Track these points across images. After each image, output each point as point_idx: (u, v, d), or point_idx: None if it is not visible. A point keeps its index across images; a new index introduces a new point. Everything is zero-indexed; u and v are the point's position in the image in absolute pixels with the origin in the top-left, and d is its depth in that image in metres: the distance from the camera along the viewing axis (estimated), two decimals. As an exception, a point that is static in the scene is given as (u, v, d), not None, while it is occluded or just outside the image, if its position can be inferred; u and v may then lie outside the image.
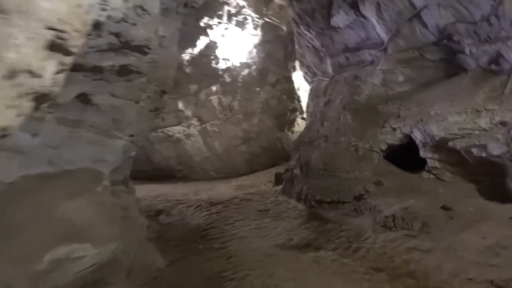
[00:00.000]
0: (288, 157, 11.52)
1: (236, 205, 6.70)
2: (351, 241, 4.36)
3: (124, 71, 4.19)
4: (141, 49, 4.08)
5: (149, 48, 4.16)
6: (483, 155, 4.35)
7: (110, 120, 4.45)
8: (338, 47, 7.07)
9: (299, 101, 12.15)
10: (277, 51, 11.82)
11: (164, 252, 4.41)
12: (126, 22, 3.45)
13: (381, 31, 6.08)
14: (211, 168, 11.87)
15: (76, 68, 3.47)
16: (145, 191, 9.77)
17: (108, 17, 3.10)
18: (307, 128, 7.50)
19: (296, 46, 9.18)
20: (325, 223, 5.22)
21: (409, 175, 5.32)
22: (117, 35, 3.56)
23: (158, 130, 12.08)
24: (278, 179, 8.05)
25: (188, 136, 11.92)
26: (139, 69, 4.40)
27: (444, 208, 4.17)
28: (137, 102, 4.69)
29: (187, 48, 11.74)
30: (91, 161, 4.33)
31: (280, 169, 10.30)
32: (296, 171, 6.74)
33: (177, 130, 12.00)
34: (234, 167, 11.70)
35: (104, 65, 3.81)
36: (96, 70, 3.81)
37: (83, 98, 4.06)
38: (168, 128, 12.05)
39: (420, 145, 5.26)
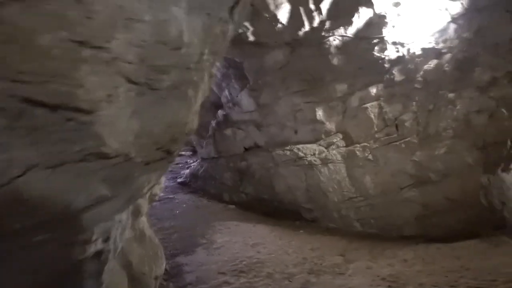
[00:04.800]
0: (501, 223, 6.15)
1: None
2: None
3: None
4: None
5: None
6: None
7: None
8: None
9: (535, 119, 6.48)
10: (500, 27, 6.43)
11: None
12: None
13: None
14: (355, 217, 7.52)
15: None
16: (241, 244, 6.35)
17: None
18: None
19: None
20: None
21: None
22: None
23: (286, 148, 8.44)
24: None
25: (325, 161, 7.86)
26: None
27: None
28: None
29: (337, 27, 7.61)
30: None
31: (484, 246, 5.30)
32: None
33: (310, 151, 8.09)
34: (393, 223, 7.03)
35: None
36: None
37: None
38: (299, 146, 8.26)
39: None
